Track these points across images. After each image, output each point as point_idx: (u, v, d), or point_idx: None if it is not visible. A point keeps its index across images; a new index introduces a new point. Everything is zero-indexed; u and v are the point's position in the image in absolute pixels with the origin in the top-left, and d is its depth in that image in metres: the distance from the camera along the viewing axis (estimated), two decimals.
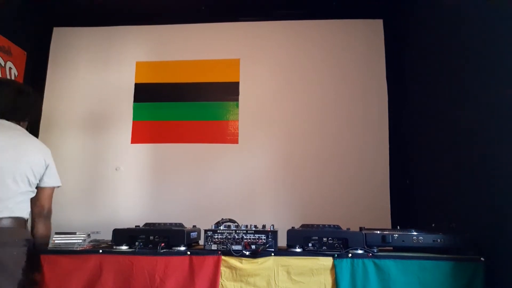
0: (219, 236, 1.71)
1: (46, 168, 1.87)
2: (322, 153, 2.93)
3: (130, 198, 2.98)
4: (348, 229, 1.78)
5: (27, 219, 1.81)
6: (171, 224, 1.95)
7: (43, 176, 1.86)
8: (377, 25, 3.08)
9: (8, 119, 1.88)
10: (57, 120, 3.13)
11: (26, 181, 1.78)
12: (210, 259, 1.66)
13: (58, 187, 1.94)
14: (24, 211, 1.78)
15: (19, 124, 1.93)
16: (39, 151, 1.87)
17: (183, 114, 3.07)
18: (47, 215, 1.88)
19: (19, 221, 1.74)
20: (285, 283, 1.62)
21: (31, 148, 1.85)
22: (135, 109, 3.11)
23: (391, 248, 1.78)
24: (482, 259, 1.58)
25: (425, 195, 2.48)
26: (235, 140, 3.00)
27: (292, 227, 1.79)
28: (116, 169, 3.03)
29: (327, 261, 1.62)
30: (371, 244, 1.68)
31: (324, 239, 1.69)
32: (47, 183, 1.87)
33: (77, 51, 3.23)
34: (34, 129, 3.08)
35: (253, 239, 1.69)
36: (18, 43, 2.90)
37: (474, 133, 1.86)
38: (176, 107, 3.10)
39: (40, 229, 1.84)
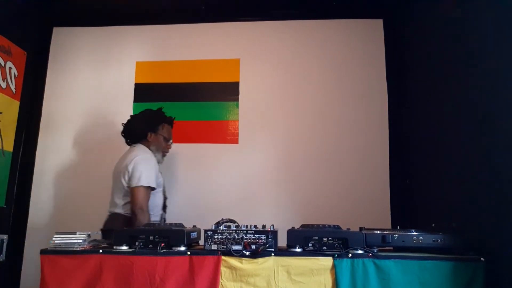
0: (219, 236, 1.71)
1: (128, 172, 2.31)
2: (322, 153, 2.93)
3: None
4: (348, 229, 1.77)
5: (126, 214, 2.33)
6: (171, 224, 1.94)
7: (128, 179, 2.31)
8: (377, 25, 3.08)
9: (133, 144, 2.53)
10: (57, 120, 3.13)
11: (120, 188, 2.35)
12: (210, 259, 1.66)
13: (145, 186, 2.29)
14: (126, 210, 2.33)
15: (142, 142, 2.51)
16: (126, 160, 2.37)
17: (183, 114, 3.07)
18: (137, 212, 2.26)
19: (116, 216, 2.32)
20: (285, 283, 1.62)
21: (123, 160, 2.40)
22: (135, 109, 3.11)
23: (391, 248, 1.77)
24: (482, 259, 1.58)
25: (425, 195, 2.48)
26: (235, 140, 3.00)
27: (292, 227, 1.79)
28: None
29: (327, 261, 1.62)
30: (371, 244, 1.68)
31: (324, 239, 1.69)
32: (130, 184, 2.30)
33: (77, 51, 3.23)
34: (34, 130, 3.09)
35: (253, 239, 1.69)
36: (18, 43, 2.90)
37: (474, 132, 1.86)
38: (176, 107, 3.09)
39: (134, 223, 2.24)
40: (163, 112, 2.62)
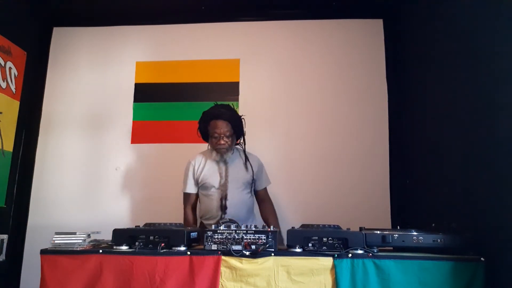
0: (219, 236, 1.71)
1: None
2: (322, 153, 2.93)
3: (130, 198, 2.99)
4: (348, 229, 1.77)
5: None
6: (171, 224, 1.94)
7: None
8: (377, 25, 3.08)
9: None
10: (57, 120, 3.13)
11: None
12: (210, 259, 1.66)
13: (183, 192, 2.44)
14: None
15: None
16: None
17: (183, 114, 3.07)
18: None
19: None
20: (285, 283, 1.62)
21: None
22: (135, 109, 3.11)
23: (391, 248, 1.77)
24: (482, 259, 1.58)
25: (425, 195, 2.48)
26: None
27: (292, 227, 1.79)
28: (116, 169, 3.03)
29: (327, 261, 1.62)
30: (371, 244, 1.68)
31: (324, 239, 1.68)
32: None
33: (77, 51, 3.23)
34: (34, 130, 3.09)
35: (253, 239, 1.69)
36: (18, 43, 2.90)
37: (474, 132, 1.86)
38: (176, 107, 3.10)
39: None
40: (211, 108, 2.38)
